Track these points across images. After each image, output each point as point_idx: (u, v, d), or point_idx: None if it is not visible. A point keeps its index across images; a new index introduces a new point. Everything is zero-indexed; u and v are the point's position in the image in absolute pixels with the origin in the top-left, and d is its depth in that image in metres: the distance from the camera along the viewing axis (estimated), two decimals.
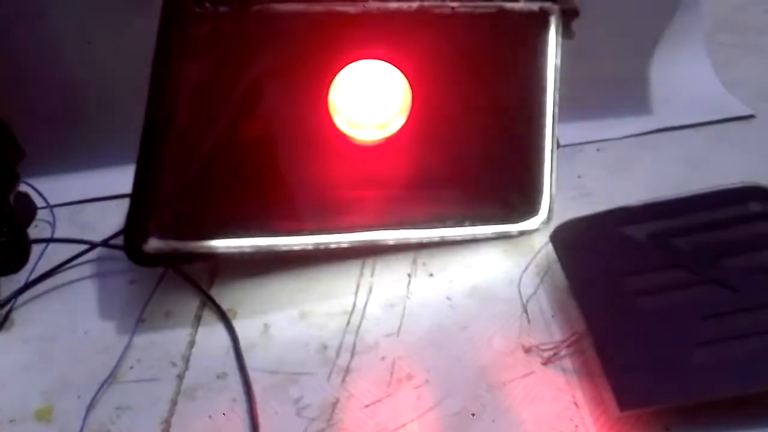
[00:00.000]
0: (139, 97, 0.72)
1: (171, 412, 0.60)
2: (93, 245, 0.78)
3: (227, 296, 0.72)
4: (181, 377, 0.64)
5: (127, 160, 0.89)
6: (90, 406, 0.61)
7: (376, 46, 0.68)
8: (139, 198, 0.64)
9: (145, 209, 0.64)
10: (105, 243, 0.78)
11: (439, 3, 0.66)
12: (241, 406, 0.60)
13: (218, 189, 0.67)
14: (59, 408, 0.61)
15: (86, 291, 0.75)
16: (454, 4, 0.66)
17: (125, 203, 0.84)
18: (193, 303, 0.72)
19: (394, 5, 0.65)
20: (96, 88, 0.90)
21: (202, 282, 0.74)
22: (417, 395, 0.59)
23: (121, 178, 0.90)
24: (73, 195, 0.89)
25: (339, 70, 0.68)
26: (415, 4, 0.65)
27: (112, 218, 0.86)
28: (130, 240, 0.65)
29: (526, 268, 0.71)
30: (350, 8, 0.65)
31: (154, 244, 0.65)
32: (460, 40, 0.68)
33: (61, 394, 0.63)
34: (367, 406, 0.59)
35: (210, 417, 0.59)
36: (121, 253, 0.77)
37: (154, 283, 0.75)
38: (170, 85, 0.63)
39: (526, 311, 0.67)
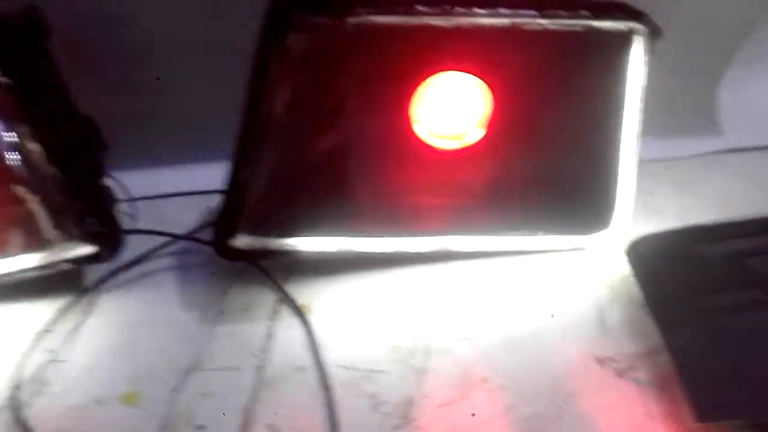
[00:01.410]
0: (216, 100, 0.81)
1: (252, 401, 0.63)
2: (176, 237, 0.82)
3: (302, 292, 0.75)
4: (260, 368, 0.66)
5: (204, 158, 0.98)
6: (175, 391, 0.64)
7: (463, 58, 0.70)
8: (232, 196, 0.68)
9: (236, 207, 0.68)
10: (187, 236, 0.82)
11: (529, 20, 0.68)
12: (319, 399, 0.62)
13: (305, 191, 0.71)
14: (144, 393, 0.64)
15: (168, 281, 0.79)
16: (545, 22, 0.68)
17: (201, 199, 0.92)
18: (269, 297, 0.75)
19: (487, 21, 0.67)
20: (177, 89, 0.95)
21: (278, 277, 0.77)
22: (491, 399, 0.61)
23: (198, 175, 0.96)
24: (152, 189, 0.93)
25: (424, 80, 0.71)
26: (507, 21, 0.67)
27: (188, 213, 0.89)
28: (220, 234, 0.69)
29: (600, 281, 0.73)
30: (443, 22, 0.67)
31: (242, 240, 0.68)
32: (547, 56, 0.70)
33: (147, 379, 0.66)
34: (441, 406, 0.61)
35: (289, 407, 0.62)
36: (201, 247, 0.82)
37: (232, 277, 0.78)
38: (268, 92, 0.67)
39: (599, 323, 0.68)
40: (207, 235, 0.82)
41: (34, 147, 0.68)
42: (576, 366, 0.63)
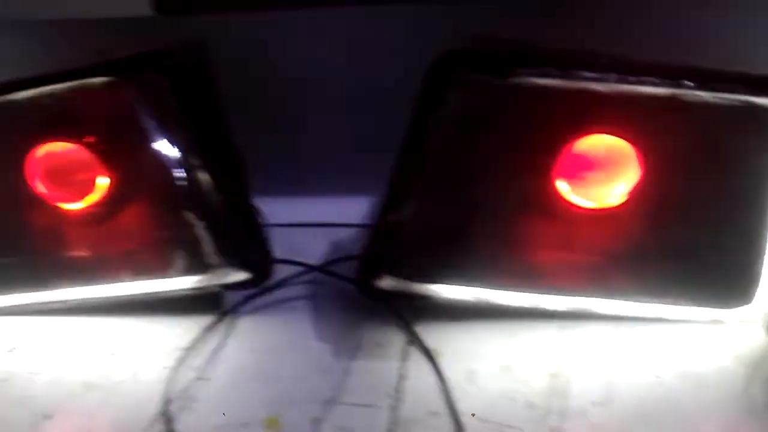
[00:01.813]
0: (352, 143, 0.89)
1: None
2: (311, 268, 0.86)
3: (432, 335, 0.77)
4: (395, 408, 0.68)
5: (335, 193, 1.01)
6: (315, 422, 0.66)
7: (616, 122, 0.71)
8: (381, 238, 0.71)
9: (384, 249, 0.71)
10: (321, 268, 0.86)
11: (689, 92, 0.68)
12: None
13: (449, 239, 0.73)
14: (285, 419, 0.67)
15: (302, 311, 0.83)
16: (704, 95, 0.68)
17: (330, 232, 0.96)
18: (399, 337, 0.77)
19: (647, 90, 0.68)
20: (320, 127, 1.01)
21: (407, 317, 0.79)
22: None
23: (329, 208, 1.01)
24: (284, 218, 0.98)
25: (575, 140, 0.72)
26: (668, 91, 0.68)
27: (318, 244, 0.94)
28: (365, 273, 0.72)
29: (741, 356, 0.71)
30: (603, 88, 0.68)
31: (387, 282, 0.71)
32: (701, 127, 0.70)
33: (288, 406, 0.69)
34: None
35: None
36: (332, 279, 0.86)
37: (363, 313, 0.81)
38: (423, 142, 0.69)
39: (741, 400, 0.66)
40: (340, 268, 0.87)
41: (203, 176, 0.73)
42: None
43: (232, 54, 0.85)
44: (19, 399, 0.72)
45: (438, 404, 0.68)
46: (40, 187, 0.79)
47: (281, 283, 0.84)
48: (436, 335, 0.77)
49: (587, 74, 0.68)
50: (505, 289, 0.73)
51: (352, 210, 1.02)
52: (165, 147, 0.74)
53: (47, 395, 0.72)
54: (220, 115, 0.82)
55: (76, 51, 0.92)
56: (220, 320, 0.80)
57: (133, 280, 0.77)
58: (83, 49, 0.92)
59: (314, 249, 0.92)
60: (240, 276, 0.73)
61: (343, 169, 1.00)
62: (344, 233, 0.97)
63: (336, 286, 0.85)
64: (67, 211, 0.79)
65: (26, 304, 0.82)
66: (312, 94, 1.01)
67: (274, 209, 0.93)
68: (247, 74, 0.97)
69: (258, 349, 0.77)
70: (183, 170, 0.73)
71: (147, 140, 0.75)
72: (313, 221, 0.97)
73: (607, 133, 0.72)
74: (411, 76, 0.95)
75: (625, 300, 0.75)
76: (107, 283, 0.78)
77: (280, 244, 0.88)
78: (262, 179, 0.92)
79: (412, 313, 0.80)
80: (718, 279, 0.74)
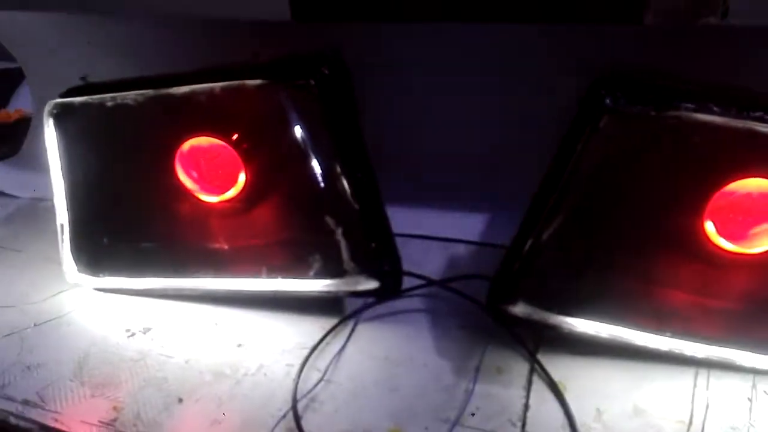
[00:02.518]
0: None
1: None
2: (432, 282, 0.86)
3: (555, 366, 0.75)
4: None
5: (452, 208, 1.01)
6: None
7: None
8: (518, 261, 0.70)
9: (520, 273, 0.70)
10: (443, 283, 0.86)
11: None
12: None
13: (588, 271, 0.71)
14: None
15: (419, 323, 0.83)
16: None
17: (445, 246, 0.96)
18: (522, 365, 0.76)
19: None
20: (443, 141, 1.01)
21: (528, 345, 0.78)
22: None
23: (445, 223, 1.01)
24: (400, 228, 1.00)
25: (729, 181, 0.69)
26: None
27: (432, 256, 0.94)
28: (497, 296, 0.71)
29: None
30: (764, 128, 0.65)
31: (521, 308, 0.70)
32: None
33: (409, 420, 0.69)
34: None
35: None
36: (452, 295, 0.86)
37: (481, 333, 0.80)
38: (567, 171, 0.68)
39: None
40: (459, 285, 0.86)
41: (344, 183, 0.75)
42: None
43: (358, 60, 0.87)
44: (153, 380, 0.76)
45: None
46: (185, 179, 0.84)
47: (401, 293, 0.85)
48: (560, 366, 0.75)
49: (752, 113, 0.66)
50: (640, 329, 0.71)
51: (467, 227, 1.03)
52: (309, 152, 0.76)
53: (179, 379, 0.76)
54: (358, 124, 0.84)
55: (201, 50, 0.98)
56: (341, 324, 0.82)
57: (266, 277, 0.79)
58: (208, 48, 0.99)
59: (429, 261, 0.93)
60: (371, 285, 0.74)
61: (462, 186, 1.01)
62: (461, 249, 0.98)
63: (455, 303, 0.85)
64: (209, 203, 0.83)
65: (164, 288, 0.86)
66: (438, 105, 1.02)
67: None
68: (372, 81, 0.99)
69: (378, 356, 0.78)
70: (325, 176, 0.76)
71: (292, 143, 0.77)
72: (430, 234, 0.98)
73: (763, 176, 0.69)
74: (543, 95, 0.96)
75: (766, 353, 0.71)
76: (241, 276, 0.81)
77: None
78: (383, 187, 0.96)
79: (532, 341, 0.80)
80: None
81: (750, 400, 0.71)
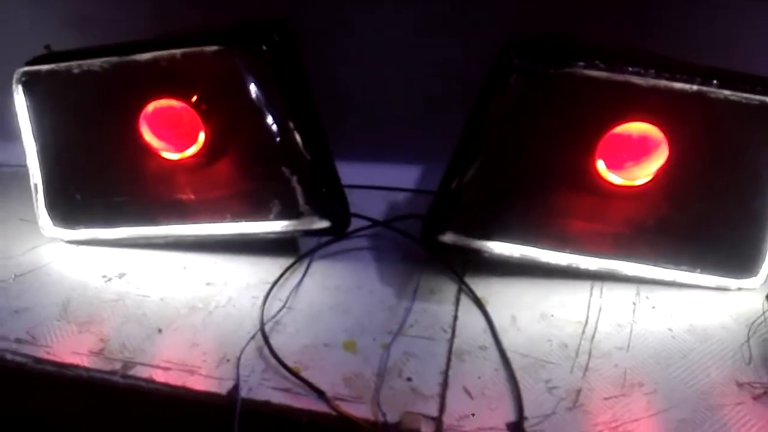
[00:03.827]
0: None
1: (447, 366, 0.78)
2: (376, 223, 0.99)
3: (478, 286, 0.91)
4: (450, 341, 0.82)
5: (390, 159, 1.14)
6: (390, 346, 0.80)
7: (650, 112, 0.83)
8: (446, 199, 0.83)
9: (448, 208, 0.83)
10: (385, 224, 0.99)
11: (715, 90, 0.80)
12: (502, 375, 0.77)
13: (502, 205, 0.86)
14: (360, 344, 0.81)
15: (367, 258, 0.97)
16: (727, 93, 0.80)
17: (385, 194, 1.09)
18: (451, 286, 0.91)
19: (678, 85, 0.80)
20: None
21: (456, 269, 0.92)
22: (647, 399, 0.74)
23: (383, 173, 1.13)
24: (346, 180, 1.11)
25: (615, 126, 0.84)
26: (695, 87, 0.80)
27: (374, 203, 1.08)
28: (431, 229, 0.84)
29: (743, 318, 0.83)
30: (642, 82, 0.80)
31: (449, 237, 0.84)
32: (721, 120, 0.82)
33: (361, 334, 0.83)
34: (605, 399, 0.74)
35: (479, 377, 0.77)
36: (392, 234, 0.99)
37: (419, 264, 0.94)
38: (484, 120, 0.82)
39: (741, 354, 0.79)
40: (399, 225, 1.01)
41: (296, 137, 0.85)
42: (719, 386, 0.75)
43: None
44: (132, 316, 0.86)
45: (487, 341, 0.82)
46: (150, 138, 0.92)
47: (349, 234, 0.98)
48: (483, 286, 0.90)
49: (629, 68, 0.81)
50: (546, 249, 0.86)
51: (404, 176, 1.16)
52: (264, 110, 0.86)
53: (157, 314, 0.86)
54: (308, 85, 0.94)
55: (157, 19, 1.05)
56: (298, 262, 0.94)
57: (231, 221, 0.90)
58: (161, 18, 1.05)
59: (372, 208, 1.06)
60: (324, 224, 0.86)
61: (399, 138, 1.13)
62: (399, 196, 1.11)
63: (395, 241, 0.99)
64: (172, 160, 0.92)
65: (135, 237, 0.96)
66: (373, 66, 1.13)
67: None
68: (316, 47, 1.09)
69: (331, 287, 0.91)
70: (280, 131, 0.86)
71: (248, 103, 0.87)
72: (373, 184, 1.10)
73: (641, 120, 0.84)
74: (466, 57, 1.08)
75: (646, 265, 0.88)
76: (208, 222, 0.91)
77: None
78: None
79: (460, 267, 0.94)
80: (727, 253, 0.87)
81: (634, 303, 0.88)
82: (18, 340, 0.83)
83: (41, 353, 0.81)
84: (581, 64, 0.80)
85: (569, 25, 1.04)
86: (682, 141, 0.84)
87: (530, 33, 0.90)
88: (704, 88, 0.80)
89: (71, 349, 0.82)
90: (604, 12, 1.05)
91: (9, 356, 0.82)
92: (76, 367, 0.79)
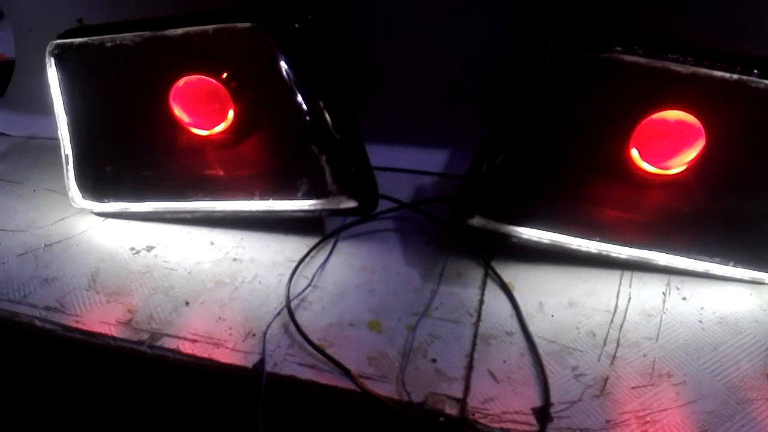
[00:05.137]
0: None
1: (472, 349, 0.78)
2: (404, 205, 0.99)
3: (505, 270, 0.90)
4: (476, 325, 0.81)
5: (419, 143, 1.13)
6: (410, 329, 0.80)
7: (688, 100, 0.81)
8: (476, 182, 0.82)
9: (477, 191, 0.82)
10: (414, 206, 0.98)
11: (754, 79, 0.78)
12: (528, 360, 0.77)
13: (533, 190, 0.84)
14: (385, 324, 0.81)
15: (393, 239, 0.96)
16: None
17: (413, 177, 1.08)
18: (477, 270, 0.90)
19: (718, 74, 0.78)
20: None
21: (483, 254, 0.92)
22: (676, 390, 0.73)
23: (411, 155, 1.12)
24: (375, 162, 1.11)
25: (652, 113, 0.82)
26: (735, 76, 0.78)
27: (402, 186, 1.07)
28: (459, 212, 0.83)
29: None
30: (681, 69, 0.78)
31: (477, 221, 0.83)
32: (759, 110, 0.80)
33: (386, 314, 0.83)
34: (633, 388, 0.73)
35: (504, 361, 0.76)
36: (419, 217, 0.98)
37: (444, 246, 0.93)
38: (517, 104, 0.81)
39: None
40: (426, 208, 0.99)
41: (326, 117, 0.85)
42: (749, 379, 0.74)
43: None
44: (160, 288, 0.87)
45: (513, 326, 0.81)
46: (180, 113, 0.92)
47: (377, 215, 0.97)
48: (510, 271, 0.89)
49: (668, 55, 0.79)
50: (577, 236, 0.85)
51: (432, 159, 1.15)
52: (295, 89, 0.86)
53: (184, 287, 0.87)
54: (340, 65, 0.93)
55: None
56: (324, 241, 0.94)
57: (259, 199, 0.90)
58: None
59: (400, 190, 1.05)
60: (351, 203, 0.86)
61: (429, 123, 1.12)
62: (426, 179, 1.10)
63: (422, 224, 0.98)
64: (201, 136, 0.93)
65: (163, 211, 0.96)
66: (408, 50, 1.12)
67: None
68: (348, 28, 1.08)
69: (356, 267, 0.91)
70: (310, 110, 0.85)
71: (278, 82, 0.87)
72: (401, 167, 1.10)
73: (679, 108, 0.82)
74: (501, 37, 1.07)
75: (678, 255, 0.86)
76: (236, 199, 0.91)
77: None
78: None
79: (486, 251, 0.93)
80: (761, 246, 0.85)
81: (664, 293, 0.86)
82: (47, 308, 0.84)
83: (70, 321, 0.83)
84: (619, 49, 0.79)
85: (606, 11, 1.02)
86: (719, 130, 0.82)
87: (566, 12, 0.89)
88: (744, 77, 0.78)
89: (99, 319, 0.83)
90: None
91: (38, 323, 0.83)
92: (104, 336, 0.80)
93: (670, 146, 0.85)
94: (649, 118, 0.83)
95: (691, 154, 0.84)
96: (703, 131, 0.82)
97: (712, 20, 0.99)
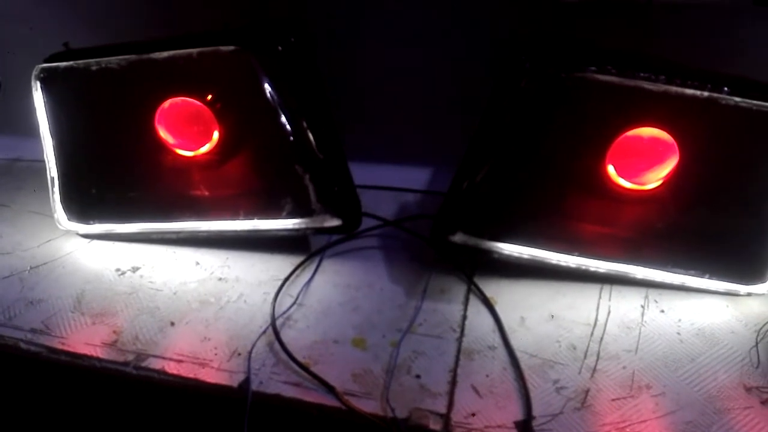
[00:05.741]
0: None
1: (455, 364, 0.79)
2: (388, 223, 1.00)
3: (487, 286, 0.91)
4: (459, 340, 0.83)
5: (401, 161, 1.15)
6: (399, 344, 0.80)
7: (661, 117, 0.84)
8: (457, 200, 0.84)
9: (458, 208, 0.84)
10: (397, 223, 1.00)
11: (724, 96, 0.80)
12: (510, 374, 0.78)
13: (512, 207, 0.87)
14: (370, 341, 0.82)
15: (377, 257, 0.98)
16: (737, 99, 0.81)
17: (396, 195, 1.10)
18: (460, 286, 0.92)
19: (689, 92, 0.81)
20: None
21: (466, 269, 0.93)
22: (655, 401, 0.74)
23: (394, 174, 1.14)
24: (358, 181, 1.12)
25: (626, 130, 0.85)
26: (706, 94, 0.80)
27: (385, 204, 1.08)
28: (441, 229, 0.85)
29: (752, 324, 0.84)
30: (653, 87, 0.81)
31: (459, 237, 0.85)
32: (731, 127, 0.83)
33: (370, 331, 0.84)
34: (613, 400, 0.74)
35: (487, 376, 0.77)
36: (402, 234, 1.00)
37: (427, 263, 0.95)
38: (495, 122, 0.83)
39: (749, 358, 0.79)
40: (409, 226, 1.01)
41: (309, 137, 0.86)
42: (727, 389, 0.75)
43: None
44: (146, 309, 0.88)
45: (496, 341, 0.83)
46: (165, 135, 0.94)
47: (360, 233, 0.99)
48: (492, 286, 0.91)
49: (641, 74, 0.81)
50: (556, 251, 0.87)
51: (414, 177, 1.17)
52: (279, 110, 0.87)
53: (170, 307, 0.88)
54: (323, 85, 0.95)
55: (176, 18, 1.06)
56: (309, 259, 0.95)
57: (244, 218, 0.91)
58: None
59: (383, 208, 1.06)
60: (335, 222, 0.87)
61: (411, 142, 1.14)
62: (409, 197, 1.12)
63: (405, 240, 1.00)
64: (186, 157, 0.94)
65: (148, 232, 0.97)
66: (388, 70, 1.14)
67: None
68: (329, 48, 1.10)
69: (341, 284, 0.92)
70: (294, 131, 0.87)
71: (262, 103, 0.88)
72: (384, 185, 1.11)
73: (653, 125, 0.85)
74: (478, 57, 1.09)
75: (655, 269, 0.88)
76: (221, 219, 0.92)
77: None
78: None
79: (469, 267, 0.94)
80: (737, 258, 0.87)
81: (643, 306, 0.88)
82: (33, 330, 0.84)
83: (55, 344, 0.83)
84: (593, 68, 0.81)
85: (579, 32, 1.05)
86: (692, 147, 0.85)
87: (540, 32, 0.91)
88: (715, 95, 0.80)
89: (85, 341, 0.83)
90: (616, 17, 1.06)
91: (24, 346, 0.83)
92: (90, 357, 0.80)
93: (645, 162, 0.87)
94: (624, 135, 0.85)
95: (665, 169, 0.86)
96: (676, 147, 0.85)
97: (684, 38, 1.02)
